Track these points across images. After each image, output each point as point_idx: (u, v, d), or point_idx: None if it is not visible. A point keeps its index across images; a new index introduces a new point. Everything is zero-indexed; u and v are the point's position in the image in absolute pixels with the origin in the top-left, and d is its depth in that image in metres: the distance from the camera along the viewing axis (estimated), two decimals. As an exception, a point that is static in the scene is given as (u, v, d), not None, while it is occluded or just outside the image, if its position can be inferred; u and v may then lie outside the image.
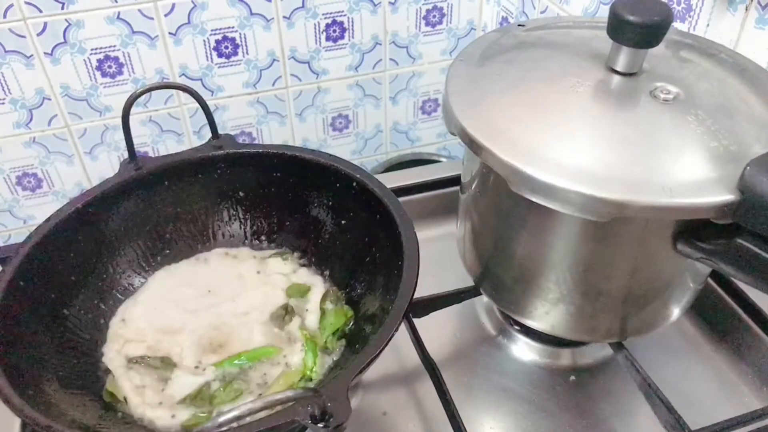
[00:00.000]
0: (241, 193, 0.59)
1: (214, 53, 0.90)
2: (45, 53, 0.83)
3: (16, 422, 0.49)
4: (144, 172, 0.55)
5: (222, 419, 0.29)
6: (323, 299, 0.55)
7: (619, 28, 0.43)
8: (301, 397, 0.32)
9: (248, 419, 0.31)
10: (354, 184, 0.54)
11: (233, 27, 0.88)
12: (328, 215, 0.58)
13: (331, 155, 0.56)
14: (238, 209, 0.60)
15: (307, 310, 0.55)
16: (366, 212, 0.53)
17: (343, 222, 0.57)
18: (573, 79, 0.45)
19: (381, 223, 0.51)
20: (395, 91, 1.05)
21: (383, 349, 0.39)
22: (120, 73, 0.87)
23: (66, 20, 0.81)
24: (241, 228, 0.60)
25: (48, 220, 0.50)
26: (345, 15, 0.93)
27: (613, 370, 0.57)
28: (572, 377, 0.57)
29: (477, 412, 0.54)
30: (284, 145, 0.59)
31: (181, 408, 0.48)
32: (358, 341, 0.50)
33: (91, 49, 0.84)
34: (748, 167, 0.37)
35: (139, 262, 0.57)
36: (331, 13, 0.92)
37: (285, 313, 0.54)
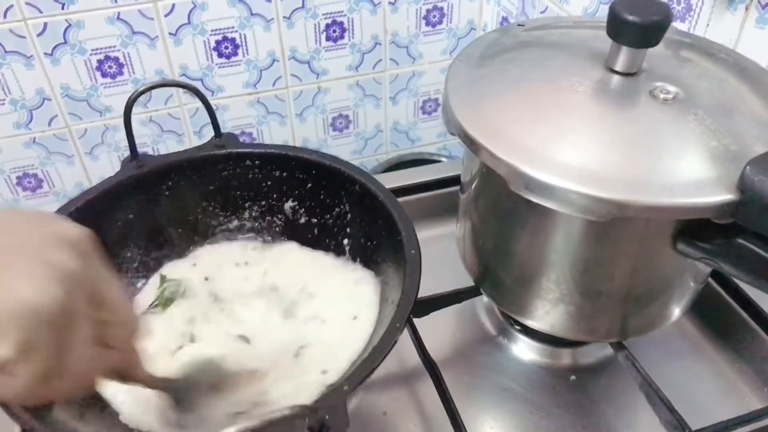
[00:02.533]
0: (242, 193, 0.59)
1: (214, 53, 0.90)
2: (45, 54, 0.83)
3: (16, 428, 0.49)
4: (146, 170, 0.55)
5: None
6: None
7: (618, 28, 0.43)
8: (298, 413, 0.32)
9: None
10: (357, 187, 0.54)
11: (233, 27, 0.88)
12: (330, 216, 0.58)
13: (333, 156, 0.56)
14: (240, 209, 0.60)
15: None
16: (368, 214, 0.53)
17: (344, 223, 0.57)
18: (573, 79, 0.45)
19: (383, 226, 0.51)
20: (395, 91, 1.05)
21: (383, 360, 0.39)
22: (120, 73, 0.88)
23: (66, 21, 0.81)
24: (242, 228, 0.60)
25: (48, 220, 0.50)
26: (345, 15, 0.93)
27: (613, 370, 0.57)
28: (572, 377, 0.57)
29: (477, 412, 0.54)
30: (287, 145, 0.59)
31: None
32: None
33: (92, 50, 0.84)
34: (748, 167, 0.36)
35: (140, 262, 0.57)
36: (331, 13, 0.92)
37: None
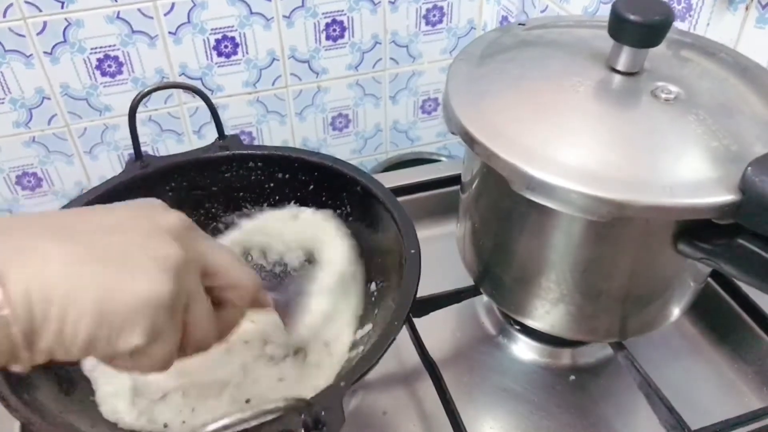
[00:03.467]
0: (245, 194, 0.59)
1: (214, 52, 0.90)
2: (45, 52, 0.83)
3: (16, 424, 0.49)
4: (150, 170, 0.55)
5: (211, 428, 0.29)
6: None
7: (620, 28, 0.43)
8: (293, 407, 0.32)
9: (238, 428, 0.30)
10: (358, 188, 0.53)
11: (233, 26, 0.88)
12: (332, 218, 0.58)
13: (335, 158, 0.55)
14: (243, 210, 0.60)
15: None
16: (368, 215, 0.53)
17: (345, 224, 0.57)
18: (574, 79, 0.45)
19: (383, 227, 0.51)
20: (395, 91, 1.05)
21: (380, 358, 0.39)
22: (120, 72, 0.87)
23: (66, 19, 0.81)
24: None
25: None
26: (345, 14, 0.93)
27: (613, 370, 0.57)
28: (572, 377, 0.57)
29: (477, 412, 0.54)
30: (290, 147, 0.59)
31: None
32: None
33: (91, 49, 0.84)
34: (749, 167, 0.36)
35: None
36: (330, 12, 0.92)
37: None
